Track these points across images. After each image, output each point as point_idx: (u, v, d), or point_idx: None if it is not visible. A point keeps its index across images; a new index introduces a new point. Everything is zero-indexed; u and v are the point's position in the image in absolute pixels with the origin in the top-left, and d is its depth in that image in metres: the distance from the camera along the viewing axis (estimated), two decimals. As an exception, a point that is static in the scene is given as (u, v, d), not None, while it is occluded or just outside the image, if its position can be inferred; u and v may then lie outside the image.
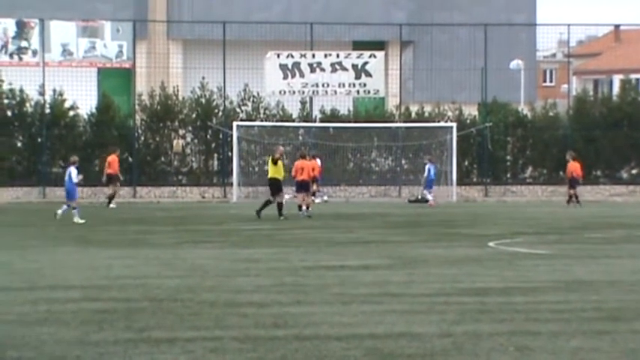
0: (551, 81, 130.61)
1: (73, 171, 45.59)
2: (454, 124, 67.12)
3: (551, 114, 72.20)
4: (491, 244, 36.14)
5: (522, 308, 21.33)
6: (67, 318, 19.70)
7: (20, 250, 33.95)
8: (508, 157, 70.90)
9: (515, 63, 77.00)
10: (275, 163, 48.25)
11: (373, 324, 19.34)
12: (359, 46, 75.11)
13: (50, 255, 32.50)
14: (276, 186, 47.76)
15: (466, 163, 69.75)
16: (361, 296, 23.07)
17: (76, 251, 33.77)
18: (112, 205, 56.27)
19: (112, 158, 58.67)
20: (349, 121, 68.14)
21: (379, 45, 75.59)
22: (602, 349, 17.17)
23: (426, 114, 69.82)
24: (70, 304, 21.66)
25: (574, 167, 60.37)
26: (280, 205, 47.27)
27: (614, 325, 19.33)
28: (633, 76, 79.74)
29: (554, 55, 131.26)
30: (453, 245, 36.21)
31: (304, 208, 48.87)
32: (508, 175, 70.98)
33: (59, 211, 45.20)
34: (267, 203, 47.76)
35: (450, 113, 69.70)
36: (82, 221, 44.45)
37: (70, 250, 33.98)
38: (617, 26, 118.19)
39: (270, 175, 48.47)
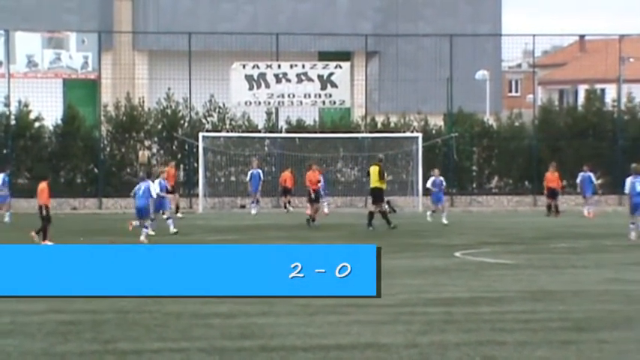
0: (517, 91, 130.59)
1: (152, 185, 42.91)
2: (420, 135, 67.04)
3: (516, 124, 72.21)
4: (457, 254, 36.23)
5: (489, 318, 21.44)
6: (32, 330, 19.73)
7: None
8: (474, 168, 70.89)
9: (481, 73, 77.17)
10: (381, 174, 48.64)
11: (339, 335, 19.40)
12: (325, 56, 75.06)
13: None
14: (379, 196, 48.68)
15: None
16: (327, 307, 22.98)
17: None
18: (179, 215, 56.30)
19: (169, 170, 56.78)
20: (315, 132, 68.10)
21: (345, 55, 75.55)
22: (569, 359, 17.29)
23: (392, 124, 69.72)
24: (35, 315, 21.58)
25: (553, 178, 60.50)
26: (372, 216, 48.45)
27: (579, 335, 19.48)
28: (598, 86, 79.68)
29: (519, 65, 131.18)
30: (420, 255, 36.45)
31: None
32: (474, 185, 71.00)
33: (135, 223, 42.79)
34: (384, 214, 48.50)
35: (415, 123, 69.70)
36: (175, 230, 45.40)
37: None
38: (582, 36, 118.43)
39: (373, 185, 49.12)
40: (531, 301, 24.33)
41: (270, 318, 21.46)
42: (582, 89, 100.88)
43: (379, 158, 53.15)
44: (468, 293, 25.66)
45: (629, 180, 42.22)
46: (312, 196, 52.53)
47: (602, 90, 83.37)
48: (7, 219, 53.20)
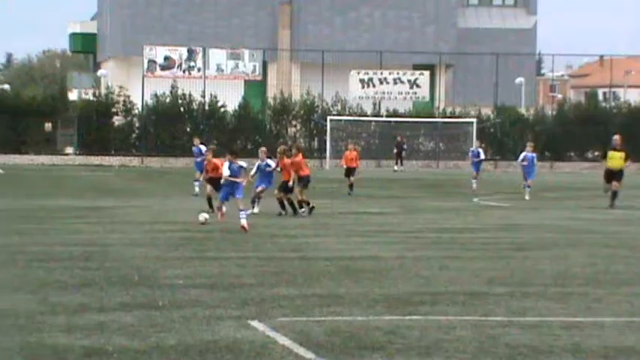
0: (555, 92, 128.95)
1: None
2: (475, 120, 66.76)
3: (540, 114, 71.62)
4: (475, 199, 35.82)
5: (462, 241, 21.38)
6: (159, 242, 20.02)
7: (162, 198, 33.81)
8: (511, 142, 70.15)
9: (519, 80, 76.16)
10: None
11: (357, 250, 19.54)
12: (417, 67, 74.56)
13: (173, 202, 31.49)
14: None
15: (482, 145, 69.05)
16: (362, 232, 23.19)
17: (184, 200, 33.32)
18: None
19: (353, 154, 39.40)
20: (404, 117, 68.03)
21: (430, 67, 75.09)
22: (496, 268, 17.22)
23: (457, 112, 69.49)
24: (167, 232, 21.92)
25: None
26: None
27: (515, 253, 19.36)
28: (614, 89, 79.99)
29: (562, 75, 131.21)
30: (450, 200, 35.74)
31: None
32: (511, 154, 70.19)
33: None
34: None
35: (472, 112, 69.24)
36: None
37: (181, 200, 33.50)
38: (601, 56, 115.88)
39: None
40: (499, 231, 24.18)
41: (319, 238, 21.57)
42: (600, 92, 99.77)
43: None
44: (463, 225, 25.51)
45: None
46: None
47: (613, 92, 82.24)
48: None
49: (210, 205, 26.25)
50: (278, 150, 27.95)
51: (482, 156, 44.32)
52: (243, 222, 22.02)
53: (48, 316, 11.76)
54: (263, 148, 27.78)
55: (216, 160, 26.05)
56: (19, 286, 13.96)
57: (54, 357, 9.76)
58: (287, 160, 27.25)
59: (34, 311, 12.07)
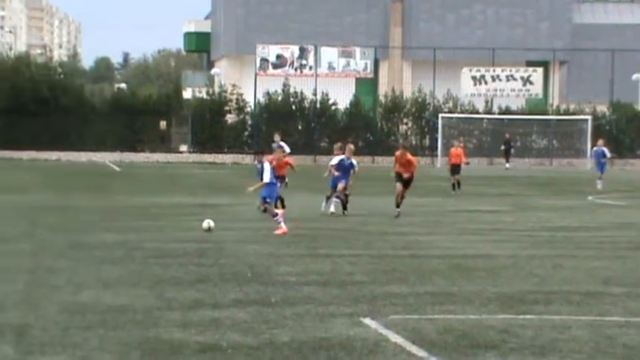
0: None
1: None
2: (589, 117, 65.79)
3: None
4: (590, 197, 35.29)
5: (577, 240, 21.08)
6: (271, 239, 20.09)
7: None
8: (627, 140, 68.93)
9: (636, 76, 74.63)
10: None
11: (468, 248, 19.37)
12: (530, 64, 73.79)
13: (302, 199, 30.01)
14: None
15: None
16: (475, 230, 22.97)
17: (294, 197, 31.22)
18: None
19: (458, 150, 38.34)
20: (516, 114, 67.35)
21: (544, 63, 74.25)
22: (612, 267, 16.92)
23: (571, 109, 68.51)
24: (266, 229, 21.67)
25: None
26: None
27: (632, 253, 18.99)
28: None
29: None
30: (564, 198, 35.18)
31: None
32: (627, 152, 69.05)
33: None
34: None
35: (587, 109, 68.20)
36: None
37: (291, 197, 31.93)
38: None
39: None
40: (615, 230, 23.76)
41: (431, 236, 21.46)
42: None
43: None
44: (577, 223, 25.18)
45: None
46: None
47: None
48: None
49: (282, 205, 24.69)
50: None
51: (609, 155, 41.81)
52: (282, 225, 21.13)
53: (164, 312, 11.94)
54: (350, 146, 27.23)
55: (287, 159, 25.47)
56: (136, 282, 14.20)
57: (170, 352, 9.91)
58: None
59: (151, 307, 12.27)
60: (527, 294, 13.69)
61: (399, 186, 25.99)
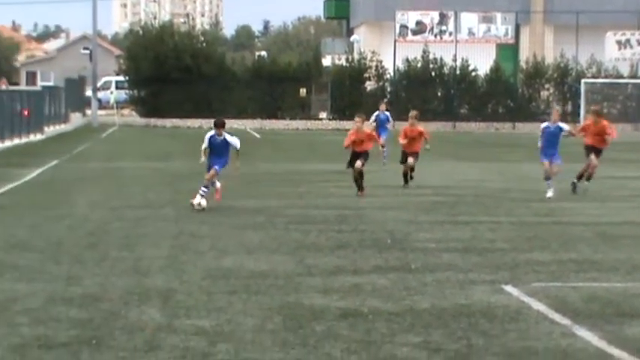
0: None
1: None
2: None
3: None
4: None
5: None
6: (410, 206, 20.04)
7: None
8: None
9: None
10: None
11: (613, 215, 19.03)
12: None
13: (441, 166, 30.27)
14: None
15: None
16: (620, 197, 22.57)
17: (430, 164, 32.42)
18: None
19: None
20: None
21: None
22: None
23: None
24: (421, 197, 21.97)
25: None
26: None
27: None
28: None
29: None
30: None
31: None
32: None
33: None
34: None
35: None
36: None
37: (428, 163, 32.24)
38: None
39: None
40: None
41: (574, 203, 21.10)
42: None
43: None
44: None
45: None
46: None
47: None
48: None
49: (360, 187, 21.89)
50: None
51: None
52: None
53: (305, 277, 12.04)
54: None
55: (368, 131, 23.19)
56: (277, 248, 14.35)
57: (311, 317, 9.98)
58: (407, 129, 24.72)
59: (292, 272, 12.38)
60: (674, 263, 13.35)
61: (593, 159, 22.98)
